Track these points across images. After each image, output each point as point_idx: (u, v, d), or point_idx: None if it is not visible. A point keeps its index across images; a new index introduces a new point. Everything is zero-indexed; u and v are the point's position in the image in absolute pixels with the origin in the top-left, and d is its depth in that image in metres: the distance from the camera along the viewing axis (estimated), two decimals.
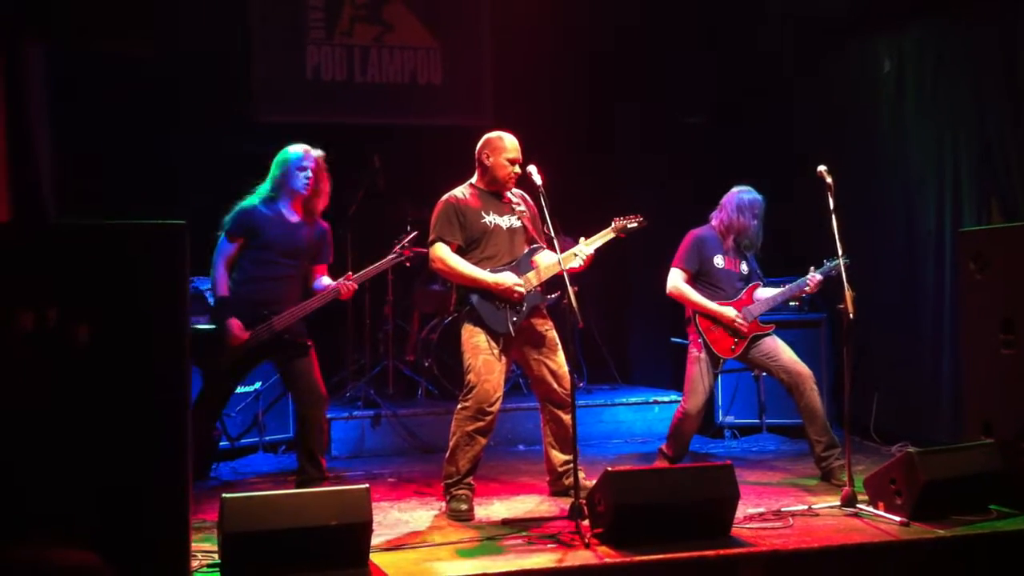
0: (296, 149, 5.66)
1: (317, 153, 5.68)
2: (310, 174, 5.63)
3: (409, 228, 7.95)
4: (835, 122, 7.80)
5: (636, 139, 8.98)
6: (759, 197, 6.22)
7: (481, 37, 9.06)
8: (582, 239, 5.50)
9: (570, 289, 4.87)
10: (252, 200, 5.63)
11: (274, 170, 5.66)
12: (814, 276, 6.02)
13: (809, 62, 8.02)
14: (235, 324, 5.49)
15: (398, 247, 6.00)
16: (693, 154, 8.45)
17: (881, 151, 7.46)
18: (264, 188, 5.65)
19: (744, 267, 6.27)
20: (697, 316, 6.18)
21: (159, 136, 7.62)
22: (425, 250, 6.03)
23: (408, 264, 6.11)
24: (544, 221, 5.32)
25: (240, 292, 5.58)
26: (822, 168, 5.46)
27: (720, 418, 7.61)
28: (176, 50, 7.57)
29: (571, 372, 5.21)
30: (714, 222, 6.30)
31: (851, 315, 5.18)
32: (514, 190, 5.57)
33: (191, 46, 7.66)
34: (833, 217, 5.34)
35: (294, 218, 5.66)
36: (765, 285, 6.26)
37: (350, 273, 5.72)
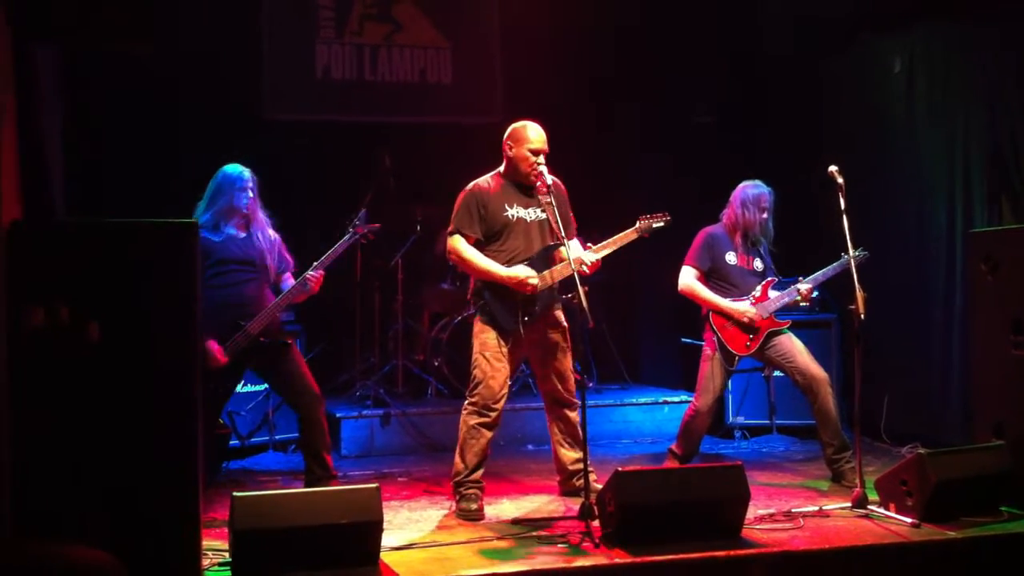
0: (237, 168, 5.66)
1: (250, 173, 5.68)
2: (250, 194, 5.64)
3: (419, 227, 8.03)
4: (844, 122, 7.78)
5: (645, 138, 8.96)
6: (765, 191, 6.17)
7: (491, 36, 9.05)
8: (609, 237, 5.47)
9: (580, 288, 4.86)
10: (199, 219, 5.58)
11: (214, 192, 5.64)
12: (801, 287, 6.02)
13: (817, 62, 8.00)
14: (212, 346, 5.46)
15: (350, 227, 5.91)
16: (701, 153, 8.44)
17: (891, 152, 7.44)
18: (208, 205, 5.64)
19: (758, 264, 6.23)
20: (711, 314, 6.16)
21: (167, 135, 7.62)
22: (377, 225, 6.02)
23: (364, 241, 6.05)
24: (556, 220, 5.28)
25: (208, 303, 5.55)
26: (833, 168, 5.44)
27: (730, 418, 7.59)
28: (185, 50, 7.57)
29: (580, 372, 5.19)
30: (724, 219, 6.28)
31: (862, 316, 5.17)
32: (549, 177, 5.39)
33: (199, 46, 7.66)
34: (844, 217, 5.32)
35: (241, 234, 5.67)
36: (778, 284, 6.22)
37: (310, 270, 5.69)
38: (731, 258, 6.19)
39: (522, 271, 5.32)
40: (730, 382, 6.95)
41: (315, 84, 8.69)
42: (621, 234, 5.47)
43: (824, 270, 6.04)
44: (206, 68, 7.80)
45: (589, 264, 5.33)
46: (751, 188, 6.20)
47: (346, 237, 5.84)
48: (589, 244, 5.49)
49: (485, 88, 9.04)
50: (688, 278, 6.20)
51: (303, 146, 8.23)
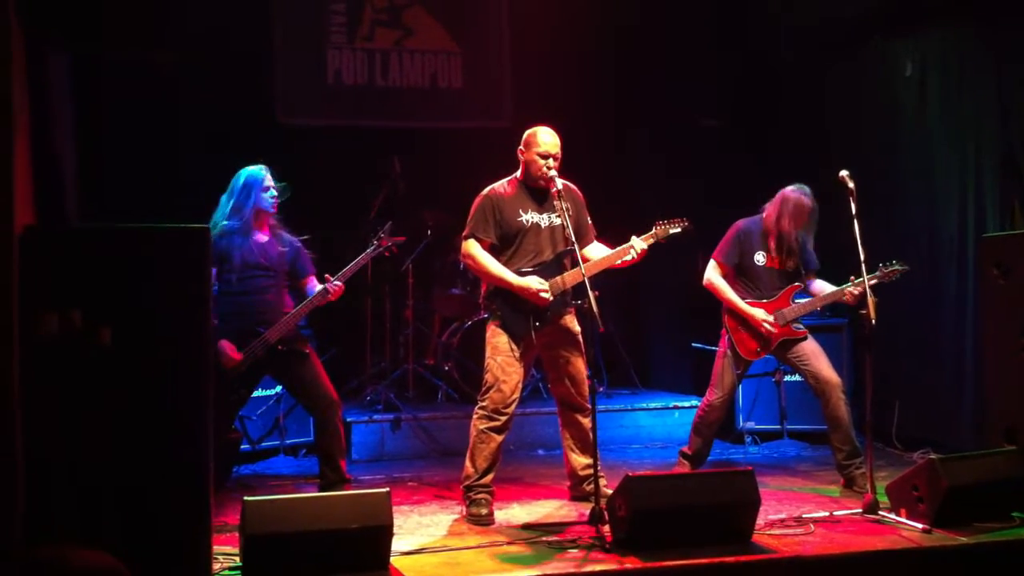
0: (257, 170, 5.66)
1: (268, 173, 5.69)
2: (274, 193, 5.65)
3: (429, 232, 8.05)
4: (855, 126, 7.76)
5: (654, 141, 8.97)
6: (807, 200, 5.94)
7: (501, 41, 9.07)
8: (634, 237, 5.43)
9: (591, 293, 4.86)
10: (218, 223, 5.59)
11: (239, 192, 5.64)
12: (852, 289, 5.75)
13: (828, 65, 7.99)
14: (226, 345, 5.49)
15: (374, 239, 5.92)
16: (710, 157, 8.44)
17: (903, 155, 7.42)
18: (226, 211, 5.63)
19: (791, 264, 6.06)
20: (727, 313, 6.10)
21: (175, 140, 7.63)
22: (403, 238, 6.04)
23: (388, 255, 6.06)
24: (565, 227, 5.28)
25: (227, 308, 5.58)
26: (844, 173, 5.41)
27: (741, 424, 7.57)
28: (195, 54, 7.59)
29: (590, 377, 5.19)
30: (765, 214, 6.10)
31: (873, 321, 5.15)
32: (564, 182, 5.41)
33: (212, 51, 7.69)
34: (855, 222, 5.29)
35: (263, 237, 5.68)
36: (810, 289, 6.10)
37: (328, 276, 5.66)
38: (760, 258, 6.07)
39: (534, 282, 5.31)
40: (740, 386, 6.92)
41: (326, 89, 8.71)
42: (644, 235, 5.46)
43: (874, 274, 5.70)
44: (216, 72, 7.81)
45: (639, 251, 5.37)
46: (793, 195, 5.96)
47: (369, 249, 5.85)
48: (633, 236, 5.46)
49: (496, 93, 9.05)
50: (712, 272, 6.11)
51: (313, 151, 8.24)
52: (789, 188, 6.04)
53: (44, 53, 4.98)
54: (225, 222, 5.60)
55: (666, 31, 8.56)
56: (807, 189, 6.01)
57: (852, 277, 5.81)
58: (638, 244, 5.39)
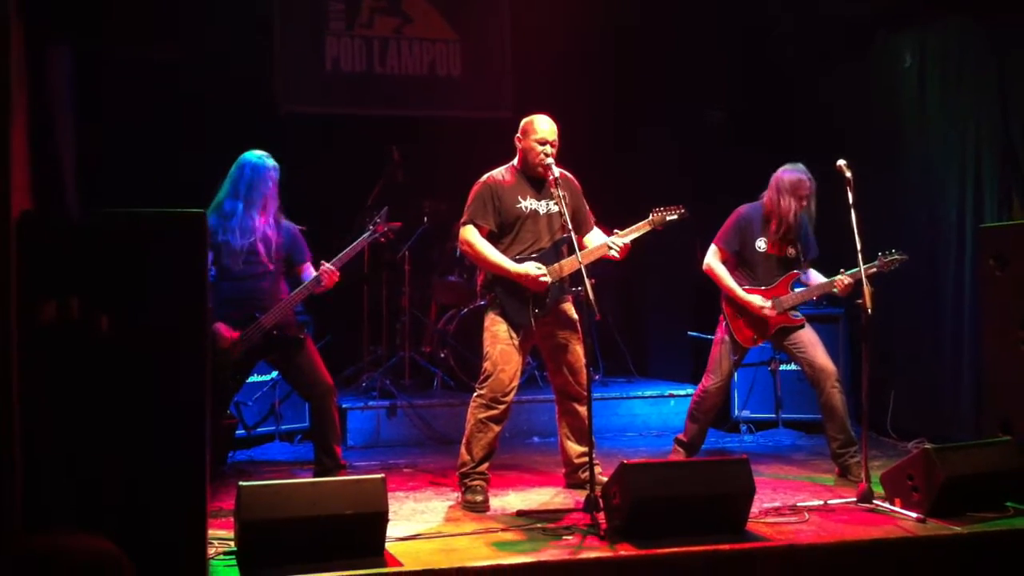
0: (261, 156, 5.62)
1: (273, 160, 5.65)
2: (272, 183, 5.61)
3: (426, 220, 8.05)
4: (857, 118, 7.76)
5: (655, 134, 8.96)
6: (804, 176, 5.91)
7: (501, 30, 9.05)
8: (616, 230, 5.43)
9: (587, 281, 4.86)
10: (217, 209, 5.57)
11: (239, 178, 5.59)
12: (843, 279, 5.79)
13: (829, 59, 7.98)
14: (221, 327, 5.48)
15: (370, 224, 5.93)
16: (711, 150, 8.44)
17: (903, 147, 7.42)
18: (228, 195, 5.60)
19: (791, 251, 6.04)
20: (725, 300, 6.10)
21: (177, 133, 7.61)
22: (398, 224, 6.02)
23: (383, 240, 6.06)
24: (562, 214, 5.27)
25: (223, 294, 5.56)
26: (841, 162, 5.40)
27: (736, 412, 7.59)
28: (196, 47, 7.56)
29: (587, 366, 5.19)
30: (765, 199, 6.07)
31: (869, 311, 5.15)
32: (560, 170, 5.38)
33: (212, 43, 7.66)
34: (853, 211, 5.29)
35: (261, 223, 5.63)
36: (802, 279, 6.09)
37: (323, 263, 5.64)
38: (761, 244, 6.05)
39: (532, 268, 5.31)
40: (736, 375, 6.92)
41: (325, 77, 8.70)
42: (635, 226, 5.46)
43: (865, 266, 5.48)
44: (215, 64, 7.79)
45: (619, 248, 5.36)
46: (788, 173, 5.95)
47: (365, 234, 5.85)
48: (616, 230, 5.46)
49: (495, 82, 9.04)
50: (712, 258, 6.10)
51: (312, 141, 8.23)
52: (783, 168, 6.02)
53: (45, 48, 4.95)
54: (224, 207, 5.58)
55: (672, 26, 8.53)
56: (801, 166, 5.99)
57: (842, 270, 5.83)
58: (616, 242, 5.37)
